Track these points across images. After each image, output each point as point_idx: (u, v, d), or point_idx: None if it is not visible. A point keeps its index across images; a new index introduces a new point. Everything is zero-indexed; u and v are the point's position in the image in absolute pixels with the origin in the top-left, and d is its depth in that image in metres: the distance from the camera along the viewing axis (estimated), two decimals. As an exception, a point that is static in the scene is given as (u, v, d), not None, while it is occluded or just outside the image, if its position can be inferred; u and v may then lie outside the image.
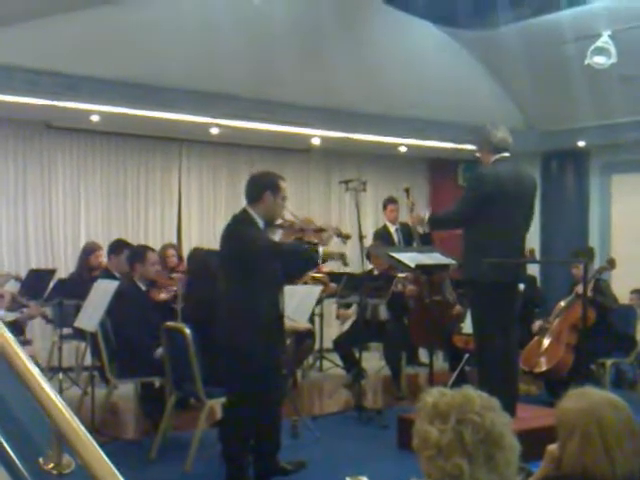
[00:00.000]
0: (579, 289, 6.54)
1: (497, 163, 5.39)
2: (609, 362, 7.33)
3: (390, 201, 8.52)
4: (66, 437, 1.73)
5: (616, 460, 2.24)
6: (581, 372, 6.12)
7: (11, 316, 6.39)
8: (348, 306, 8.17)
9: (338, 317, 8.55)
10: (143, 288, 6.16)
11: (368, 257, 7.87)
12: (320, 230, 4.87)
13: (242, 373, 4.59)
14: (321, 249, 4.66)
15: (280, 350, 4.87)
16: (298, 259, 4.79)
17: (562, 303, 7.21)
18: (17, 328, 6.47)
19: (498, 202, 5.24)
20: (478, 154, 5.60)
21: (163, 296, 6.27)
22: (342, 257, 5.59)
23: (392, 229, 8.41)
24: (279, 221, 4.86)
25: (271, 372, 4.67)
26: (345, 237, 5.24)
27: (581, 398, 2.35)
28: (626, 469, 2.24)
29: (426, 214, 5.72)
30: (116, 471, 1.67)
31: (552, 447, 2.42)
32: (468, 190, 5.59)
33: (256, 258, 4.60)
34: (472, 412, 1.93)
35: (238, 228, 4.70)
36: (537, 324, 7.29)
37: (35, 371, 1.83)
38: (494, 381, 5.09)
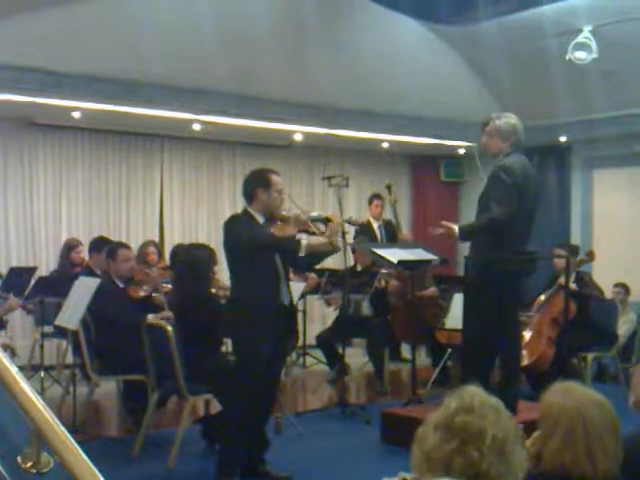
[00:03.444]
0: (562, 280, 6.52)
1: (511, 154, 5.27)
2: (590, 356, 7.33)
3: (376, 197, 8.57)
4: (44, 435, 1.72)
5: (598, 459, 2.24)
6: (562, 366, 6.13)
7: None
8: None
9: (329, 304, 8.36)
10: (121, 285, 6.14)
11: (353, 252, 7.87)
12: (327, 220, 4.78)
13: (238, 365, 4.68)
14: (305, 241, 4.56)
15: (277, 343, 4.68)
16: (278, 250, 4.69)
17: (542, 297, 7.24)
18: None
19: (524, 193, 5.11)
20: (487, 145, 5.42)
21: (142, 293, 6.22)
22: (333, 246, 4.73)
23: (375, 225, 8.43)
24: (285, 214, 4.79)
25: (262, 365, 4.57)
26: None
27: (567, 394, 2.34)
28: (607, 468, 2.25)
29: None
30: (95, 469, 1.65)
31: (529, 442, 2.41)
32: (501, 186, 5.10)
33: (241, 252, 4.64)
34: (475, 448, 1.87)
35: (228, 225, 4.75)
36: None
37: (12, 368, 1.82)
38: (478, 372, 5.11)
